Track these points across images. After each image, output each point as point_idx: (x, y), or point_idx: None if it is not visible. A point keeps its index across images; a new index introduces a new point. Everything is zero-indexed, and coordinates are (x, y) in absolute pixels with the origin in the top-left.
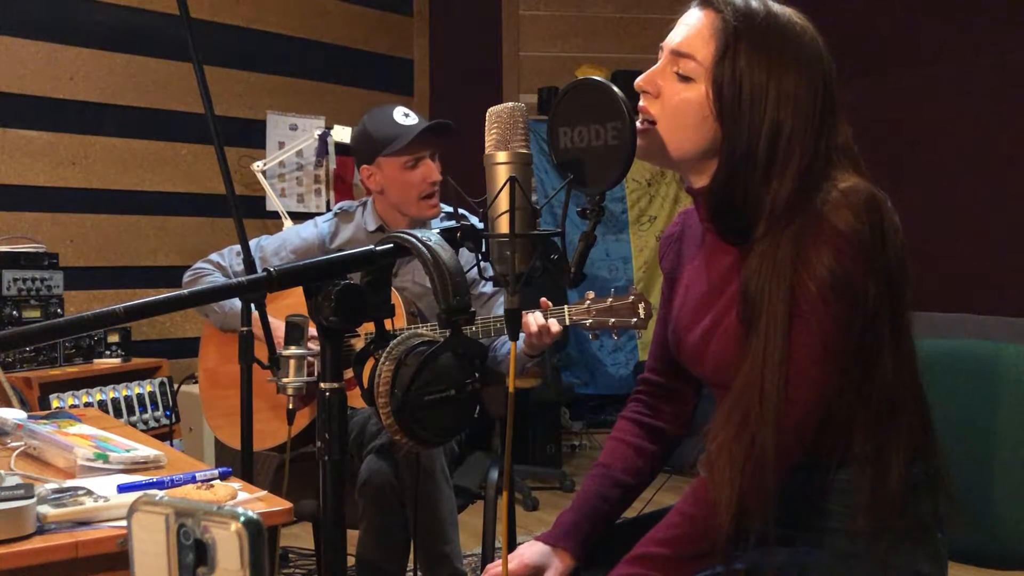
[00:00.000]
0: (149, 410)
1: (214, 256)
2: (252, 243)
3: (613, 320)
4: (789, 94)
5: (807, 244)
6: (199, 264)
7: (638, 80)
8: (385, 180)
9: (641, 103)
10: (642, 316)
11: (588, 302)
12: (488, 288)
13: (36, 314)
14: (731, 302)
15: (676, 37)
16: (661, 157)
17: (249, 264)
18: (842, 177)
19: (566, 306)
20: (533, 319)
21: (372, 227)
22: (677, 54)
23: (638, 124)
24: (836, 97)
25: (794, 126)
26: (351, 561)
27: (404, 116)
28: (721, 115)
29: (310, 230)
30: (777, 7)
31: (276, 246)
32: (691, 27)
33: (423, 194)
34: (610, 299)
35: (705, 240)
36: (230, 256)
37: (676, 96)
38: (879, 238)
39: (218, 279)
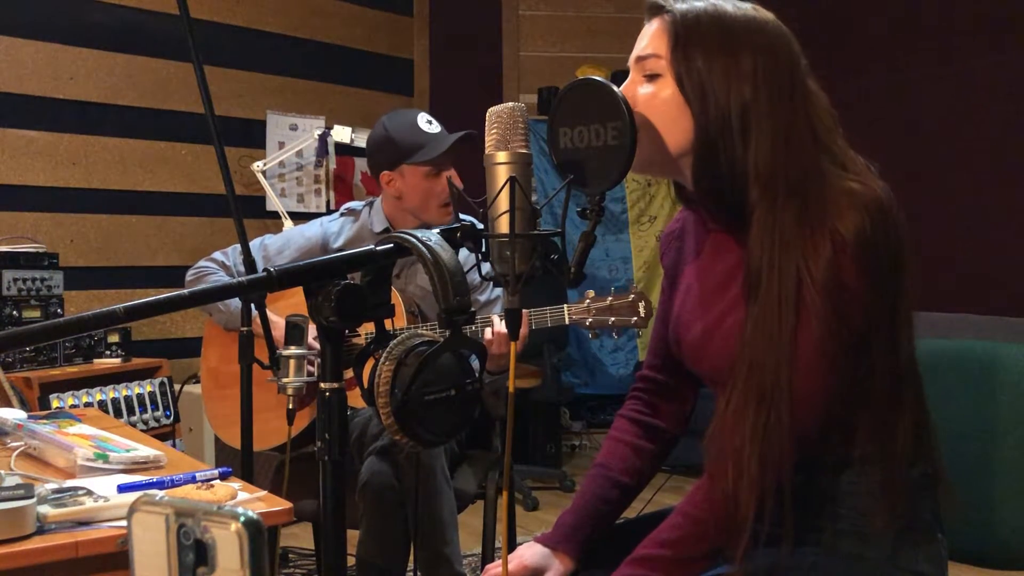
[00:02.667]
0: (149, 410)
1: (218, 255)
2: (256, 241)
3: (613, 319)
4: (747, 65)
5: (812, 241)
6: (202, 263)
7: None
8: (406, 187)
9: None
10: (642, 315)
11: (588, 301)
12: (482, 298)
13: (36, 314)
14: (734, 301)
15: (638, 46)
16: (659, 164)
17: (249, 264)
18: (846, 160)
19: (565, 305)
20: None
21: (378, 228)
22: (641, 59)
23: None
24: (804, 65)
25: (761, 88)
26: (351, 561)
27: (428, 124)
28: (690, 96)
29: (315, 229)
30: None
31: (280, 245)
32: (647, 34)
33: (443, 202)
34: (610, 298)
35: (708, 238)
36: (234, 255)
37: (651, 98)
38: (887, 246)
39: (222, 278)
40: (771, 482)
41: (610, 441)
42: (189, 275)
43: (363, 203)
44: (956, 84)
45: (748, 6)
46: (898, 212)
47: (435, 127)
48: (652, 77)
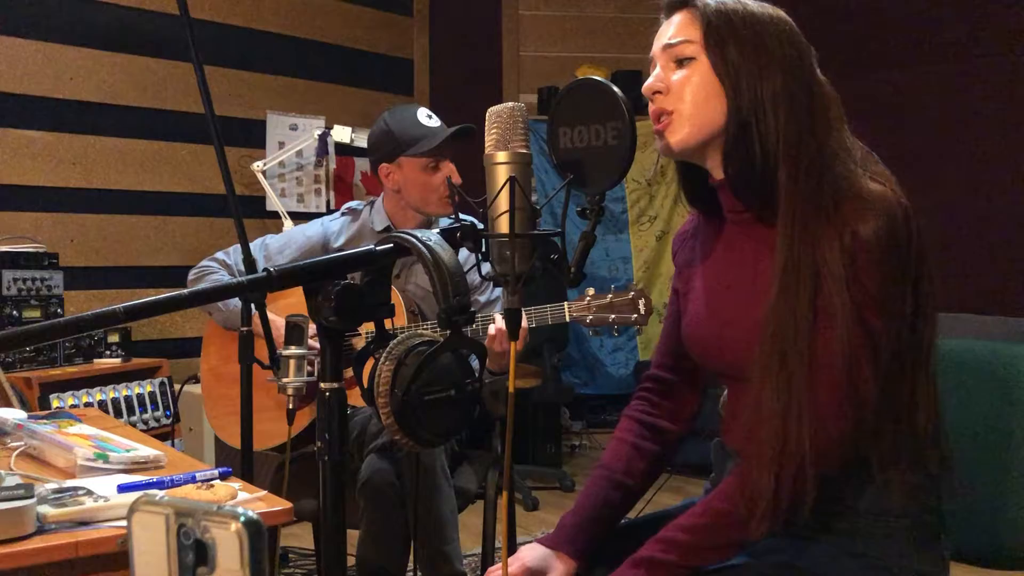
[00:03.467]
0: (149, 410)
1: (220, 254)
2: (258, 241)
3: (613, 316)
4: (776, 53)
5: (827, 233)
6: (205, 262)
7: (645, 87)
8: (404, 180)
9: (654, 106)
10: (642, 312)
11: (588, 298)
12: (482, 298)
13: (36, 314)
14: (750, 296)
15: (664, 36)
16: (690, 148)
17: (249, 264)
18: (852, 147)
19: (566, 303)
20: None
21: (379, 227)
22: (670, 46)
23: (658, 124)
24: (814, 57)
25: (788, 75)
26: (351, 561)
27: (428, 118)
28: (726, 79)
29: (316, 229)
30: None
31: (281, 244)
32: (673, 24)
33: (442, 196)
34: (610, 295)
35: (721, 236)
36: (236, 254)
37: (685, 81)
38: (907, 251)
39: (223, 277)
40: (792, 477)
41: (614, 442)
42: (191, 275)
43: (364, 202)
44: (957, 84)
45: (765, 3)
46: (917, 215)
47: (435, 121)
48: (683, 62)
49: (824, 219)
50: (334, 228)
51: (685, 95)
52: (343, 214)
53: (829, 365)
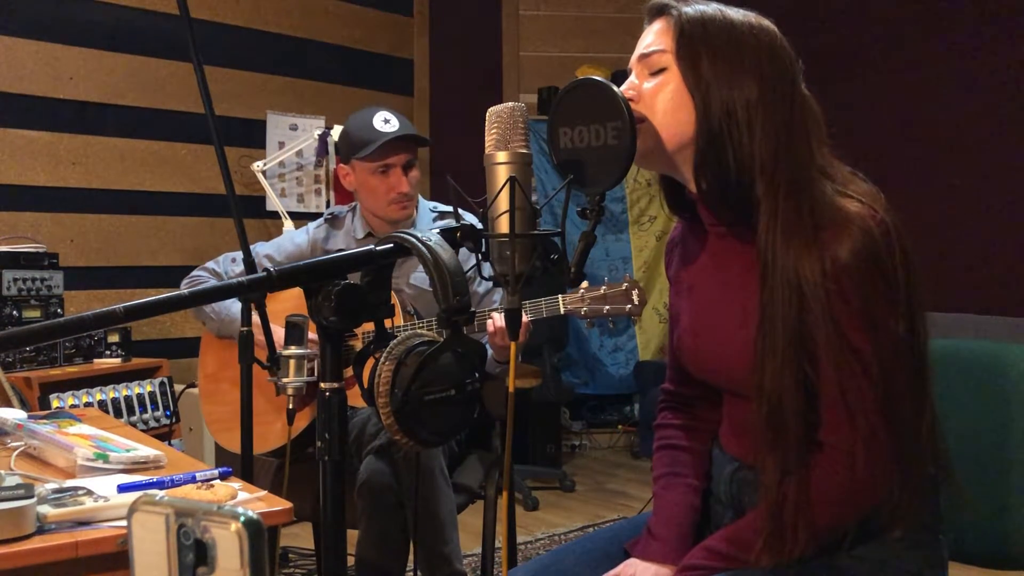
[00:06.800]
0: (149, 410)
1: (210, 264)
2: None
3: (608, 308)
4: (751, 63)
5: (807, 255)
6: (195, 272)
7: None
8: (357, 182)
9: None
10: (636, 303)
11: (582, 291)
12: (482, 288)
13: (36, 314)
14: (739, 315)
15: (640, 45)
16: (660, 158)
17: (250, 264)
18: (831, 169)
19: (560, 295)
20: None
21: (360, 234)
22: (645, 56)
23: None
24: (799, 72)
25: (765, 85)
26: (351, 561)
27: (384, 122)
28: (694, 89)
29: (303, 236)
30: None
31: (270, 251)
32: (651, 33)
33: (389, 201)
34: (604, 288)
35: (705, 246)
36: (225, 263)
37: (656, 90)
38: (889, 266)
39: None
40: (826, 530)
41: (667, 450)
42: (183, 285)
43: (347, 208)
44: (956, 84)
45: (749, 12)
46: (898, 229)
47: (391, 125)
48: (656, 72)
49: (804, 242)
50: (320, 235)
51: (654, 105)
52: (326, 220)
53: (838, 407)
